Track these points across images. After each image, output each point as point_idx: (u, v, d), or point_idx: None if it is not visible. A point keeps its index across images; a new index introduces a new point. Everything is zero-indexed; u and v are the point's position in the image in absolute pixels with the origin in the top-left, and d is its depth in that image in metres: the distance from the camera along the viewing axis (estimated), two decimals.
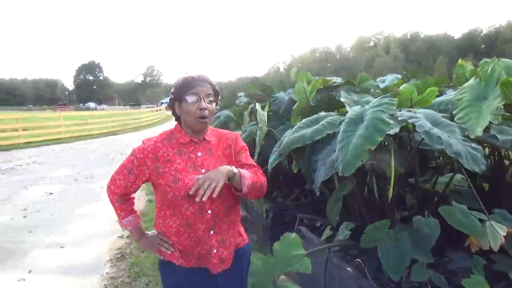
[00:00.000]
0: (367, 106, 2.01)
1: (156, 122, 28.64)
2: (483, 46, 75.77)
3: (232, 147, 1.70)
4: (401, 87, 2.87)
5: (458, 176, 2.36)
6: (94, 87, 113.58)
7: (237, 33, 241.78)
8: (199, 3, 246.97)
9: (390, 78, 4.03)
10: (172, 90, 1.61)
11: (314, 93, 3.44)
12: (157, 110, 36.16)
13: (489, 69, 2.17)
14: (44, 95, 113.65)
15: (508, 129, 2.21)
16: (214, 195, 1.41)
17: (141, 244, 1.75)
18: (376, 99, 2.06)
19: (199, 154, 1.61)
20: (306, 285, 2.61)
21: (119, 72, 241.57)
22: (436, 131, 1.85)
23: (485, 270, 2.00)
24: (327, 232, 2.61)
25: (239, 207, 1.74)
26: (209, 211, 1.56)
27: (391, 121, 1.84)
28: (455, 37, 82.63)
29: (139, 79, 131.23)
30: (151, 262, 3.60)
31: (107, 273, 3.57)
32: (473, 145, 1.87)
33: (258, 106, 3.26)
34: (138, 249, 4.04)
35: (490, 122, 1.92)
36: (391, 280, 2.06)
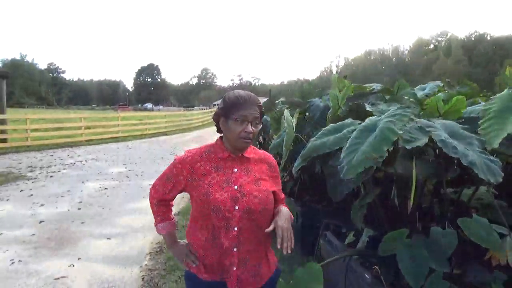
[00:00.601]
0: (382, 116, 2.04)
1: (207, 124, 29.53)
2: None
3: (273, 172, 1.74)
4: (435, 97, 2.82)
5: (483, 188, 2.29)
6: (152, 88, 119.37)
7: (291, 35, 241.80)
8: (252, 7, 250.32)
9: (430, 86, 3.92)
10: (221, 105, 1.62)
11: (345, 100, 3.46)
12: (210, 112, 37.22)
13: None
14: (107, 96, 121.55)
15: None
16: (292, 246, 1.47)
17: (172, 251, 1.79)
18: (391, 109, 2.07)
19: (235, 170, 1.64)
20: None
21: (176, 74, 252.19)
22: (453, 141, 1.84)
23: (506, 286, 1.94)
24: (350, 238, 2.64)
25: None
26: (236, 228, 1.57)
27: (401, 131, 1.86)
28: None
29: (193, 81, 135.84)
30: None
31: (145, 265, 3.84)
32: (490, 157, 1.83)
33: (286, 112, 3.35)
34: None
35: (508, 134, 1.86)
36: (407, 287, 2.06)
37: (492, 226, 1.95)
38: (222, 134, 1.69)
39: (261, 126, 1.67)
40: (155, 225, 1.78)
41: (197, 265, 1.65)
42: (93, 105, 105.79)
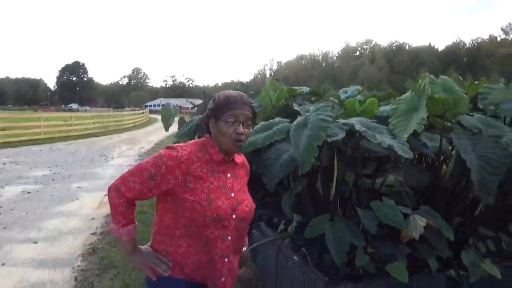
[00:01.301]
0: (308, 113, 2.30)
1: (138, 125, 28.60)
2: (465, 59, 78.25)
3: (248, 177, 1.70)
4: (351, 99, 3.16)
5: (392, 177, 2.66)
6: (78, 88, 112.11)
7: (225, 37, 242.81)
8: (186, 6, 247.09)
9: (351, 89, 4.33)
10: (211, 105, 1.52)
11: (283, 100, 3.72)
12: (141, 113, 36.07)
13: (422, 86, 2.48)
14: (26, 95, 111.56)
15: (436, 137, 2.51)
16: None
17: (132, 258, 1.55)
18: (313, 106, 2.35)
19: (228, 175, 1.55)
20: (261, 273, 2.86)
21: (104, 73, 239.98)
22: (371, 132, 2.16)
23: (411, 258, 2.29)
24: (281, 227, 2.87)
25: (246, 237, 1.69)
26: (229, 237, 1.50)
27: (330, 119, 2.14)
28: (439, 49, 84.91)
29: (124, 81, 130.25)
30: (120, 256, 3.79)
31: (78, 266, 3.74)
32: (400, 141, 2.18)
33: None
34: (109, 244, 4.23)
35: (414, 130, 2.22)
36: (331, 266, 2.33)
37: (399, 207, 2.29)
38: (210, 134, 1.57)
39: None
40: (114, 229, 1.51)
41: (169, 274, 1.47)
42: (9, 105, 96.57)
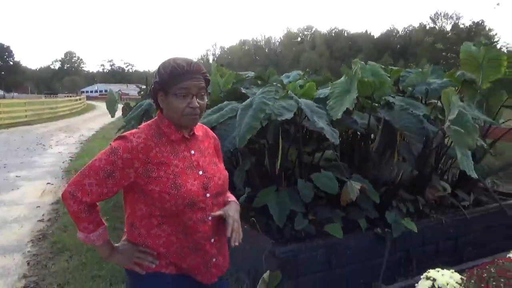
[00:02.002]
0: (255, 96, 2.55)
1: (76, 112, 27.16)
2: (398, 46, 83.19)
3: (217, 146, 1.59)
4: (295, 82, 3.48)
5: (329, 152, 3.03)
6: (3, 72, 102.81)
7: (166, 21, 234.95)
8: None
9: (293, 74, 4.66)
10: (156, 77, 1.35)
11: (230, 85, 3.93)
12: (78, 100, 34.15)
13: (354, 71, 2.83)
14: None
15: (365, 116, 2.89)
16: (241, 240, 1.38)
17: (115, 259, 1.43)
18: (260, 89, 2.61)
19: (192, 152, 1.41)
20: None
21: (33, 57, 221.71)
22: (312, 115, 2.48)
23: (345, 220, 2.68)
24: None
25: None
26: (210, 218, 1.39)
27: (271, 103, 2.41)
28: (375, 36, 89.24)
29: (56, 66, 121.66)
30: (73, 239, 3.83)
31: (29, 251, 3.73)
32: (333, 128, 2.53)
33: None
34: (60, 229, 4.23)
35: (347, 109, 2.57)
36: (277, 232, 2.64)
37: (335, 177, 2.65)
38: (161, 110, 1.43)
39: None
40: (83, 236, 1.36)
41: (156, 264, 1.38)
42: None
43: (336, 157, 2.94)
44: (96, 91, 73.79)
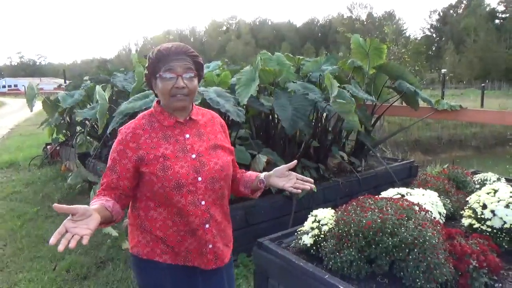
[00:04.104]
0: None
1: None
2: (319, 34, 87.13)
3: (224, 131, 1.61)
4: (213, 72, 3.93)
5: (242, 131, 3.55)
6: None
7: (83, 9, 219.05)
8: None
9: (213, 64, 5.09)
10: (146, 64, 1.40)
11: None
12: None
13: (257, 61, 3.35)
14: None
15: (270, 99, 3.44)
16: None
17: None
18: None
19: (187, 136, 1.44)
20: None
21: None
22: (218, 99, 2.93)
23: None
24: None
25: (229, 198, 1.61)
26: (203, 202, 1.40)
27: None
28: (297, 26, 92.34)
29: None
30: (5, 229, 3.93)
31: None
32: (240, 108, 3.01)
33: (98, 87, 3.90)
34: None
35: (251, 95, 3.08)
36: None
37: (248, 151, 3.17)
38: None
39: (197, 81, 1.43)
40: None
41: (151, 247, 1.42)
42: None
43: (249, 135, 3.46)
44: (4, 86, 67.06)
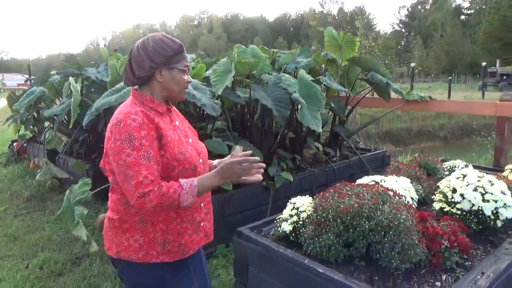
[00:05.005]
0: None
1: None
2: (291, 29, 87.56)
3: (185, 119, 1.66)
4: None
5: (219, 123, 3.54)
6: None
7: (49, 4, 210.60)
8: None
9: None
10: (162, 51, 1.38)
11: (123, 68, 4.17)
12: None
13: (233, 53, 3.34)
14: None
15: (247, 91, 3.45)
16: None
17: (224, 181, 1.38)
18: None
19: (177, 123, 1.50)
20: None
21: None
22: (194, 92, 2.91)
23: None
24: None
25: None
26: None
27: None
28: (270, 20, 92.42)
29: None
30: None
31: None
32: (216, 101, 3.01)
33: (71, 79, 3.78)
34: None
35: (227, 86, 3.08)
36: None
37: (225, 142, 3.16)
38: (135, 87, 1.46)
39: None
40: (187, 197, 1.31)
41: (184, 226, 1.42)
42: None
43: (226, 127, 3.46)
44: None
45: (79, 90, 3.82)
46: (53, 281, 2.82)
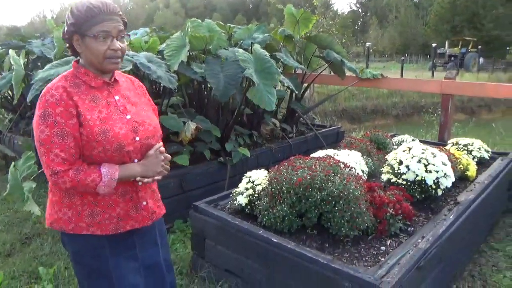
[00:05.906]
0: None
1: None
2: (251, 6, 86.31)
3: (144, 92, 1.55)
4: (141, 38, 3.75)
5: (174, 99, 3.48)
6: None
7: None
8: None
9: (141, 31, 4.84)
10: (71, 19, 1.28)
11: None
12: None
13: (187, 28, 3.26)
14: None
15: (202, 66, 3.40)
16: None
17: (145, 168, 1.38)
18: None
19: (117, 97, 1.39)
20: None
21: None
22: (149, 64, 2.82)
23: (194, 154, 3.20)
24: None
25: None
26: (136, 160, 1.38)
27: None
28: None
29: None
30: None
31: None
32: (172, 74, 2.93)
33: (12, 52, 3.53)
34: None
35: (182, 61, 3.01)
36: None
37: (180, 119, 3.12)
38: (78, 58, 1.38)
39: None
40: (102, 187, 1.29)
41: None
42: None
43: (181, 103, 3.40)
44: None
45: (23, 64, 3.58)
46: (1, 262, 2.70)
